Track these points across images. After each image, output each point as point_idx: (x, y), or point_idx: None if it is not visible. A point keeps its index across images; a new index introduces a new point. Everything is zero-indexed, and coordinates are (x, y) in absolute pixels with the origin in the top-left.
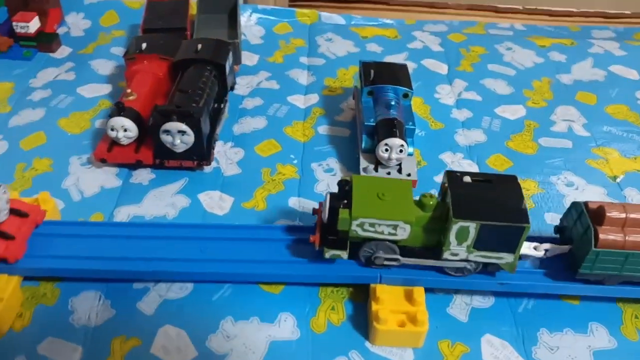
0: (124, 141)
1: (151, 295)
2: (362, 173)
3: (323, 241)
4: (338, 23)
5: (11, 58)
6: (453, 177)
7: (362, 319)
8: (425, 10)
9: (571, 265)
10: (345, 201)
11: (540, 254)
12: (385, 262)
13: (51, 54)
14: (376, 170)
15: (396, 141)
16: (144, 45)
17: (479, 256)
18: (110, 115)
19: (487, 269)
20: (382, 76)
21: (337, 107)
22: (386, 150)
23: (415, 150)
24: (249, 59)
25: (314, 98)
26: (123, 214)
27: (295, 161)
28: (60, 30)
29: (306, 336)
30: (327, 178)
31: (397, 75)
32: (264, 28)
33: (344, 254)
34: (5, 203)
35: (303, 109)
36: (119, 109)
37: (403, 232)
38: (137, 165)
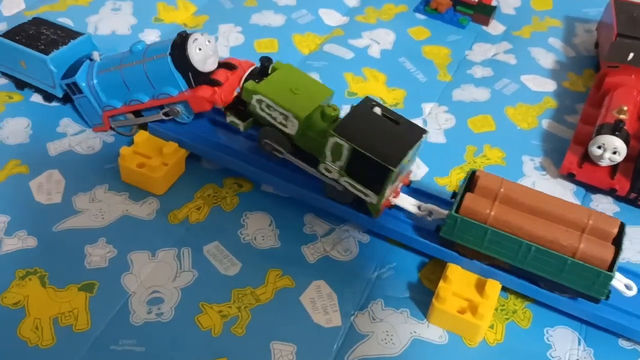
0: (605, 163)
1: None
2: None
3: (230, 107)
4: None
5: (445, 22)
6: (366, 103)
7: None
8: None
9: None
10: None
11: (421, 213)
12: (273, 152)
13: (484, 27)
14: None
15: None
16: (630, 55)
17: (348, 183)
18: (602, 132)
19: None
20: None
21: None
22: None
23: None
24: None
25: None
26: None
27: None
28: None
29: None
30: None
31: None
32: None
33: (241, 126)
34: (211, 51)
35: None
36: (615, 127)
37: (292, 127)
38: (597, 189)
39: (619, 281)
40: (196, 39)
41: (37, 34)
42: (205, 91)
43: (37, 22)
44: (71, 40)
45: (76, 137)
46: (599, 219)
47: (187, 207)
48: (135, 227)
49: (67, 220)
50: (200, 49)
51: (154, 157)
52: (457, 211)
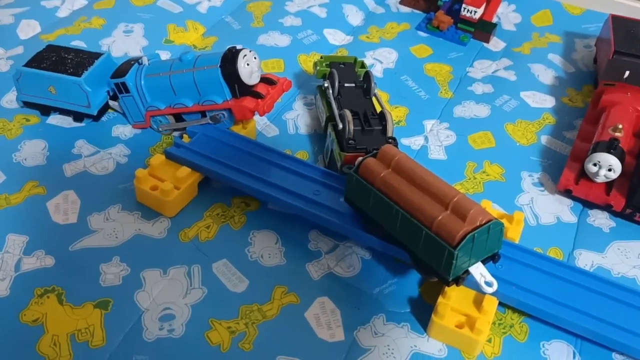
0: (601, 180)
1: None
2: None
3: None
4: None
5: (447, 39)
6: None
7: None
8: None
9: None
10: None
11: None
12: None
13: (485, 44)
14: None
15: None
16: (627, 73)
17: None
18: (597, 150)
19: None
20: None
21: None
22: None
23: None
24: None
25: None
26: (585, 258)
27: None
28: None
29: None
30: None
31: None
32: None
33: None
34: (257, 66)
35: None
36: (610, 145)
37: None
38: (594, 205)
39: (482, 276)
40: (245, 55)
41: (61, 59)
42: (249, 102)
43: (53, 48)
44: (95, 60)
45: (90, 158)
46: (462, 199)
47: (197, 226)
48: (148, 245)
49: (83, 239)
50: (248, 64)
51: (167, 180)
52: (355, 171)
